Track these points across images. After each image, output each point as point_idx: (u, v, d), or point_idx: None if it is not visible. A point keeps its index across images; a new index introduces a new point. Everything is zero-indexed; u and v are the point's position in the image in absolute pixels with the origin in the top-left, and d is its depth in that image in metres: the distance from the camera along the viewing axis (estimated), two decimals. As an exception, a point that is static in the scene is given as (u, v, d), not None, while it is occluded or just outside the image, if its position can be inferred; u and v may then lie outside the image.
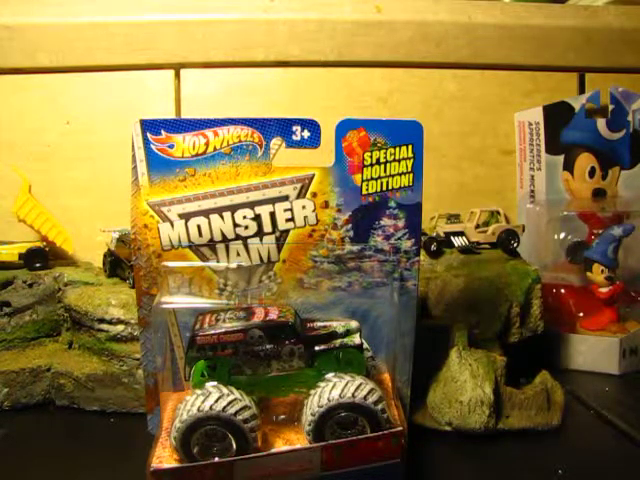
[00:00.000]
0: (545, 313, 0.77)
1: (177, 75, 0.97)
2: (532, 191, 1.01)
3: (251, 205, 0.55)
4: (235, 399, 0.45)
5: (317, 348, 0.50)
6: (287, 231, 0.55)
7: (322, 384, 0.48)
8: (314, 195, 0.55)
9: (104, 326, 0.69)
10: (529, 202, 1.01)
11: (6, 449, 0.59)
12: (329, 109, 0.98)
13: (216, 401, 0.45)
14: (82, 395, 0.68)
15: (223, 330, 0.48)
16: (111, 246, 0.79)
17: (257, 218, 0.55)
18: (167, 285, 0.54)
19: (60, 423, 0.66)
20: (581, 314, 0.87)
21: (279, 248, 0.56)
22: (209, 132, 0.54)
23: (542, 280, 0.78)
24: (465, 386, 0.61)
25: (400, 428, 0.47)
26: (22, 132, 0.96)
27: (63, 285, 0.77)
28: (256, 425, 0.46)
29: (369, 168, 0.55)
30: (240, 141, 0.54)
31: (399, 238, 0.56)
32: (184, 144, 0.54)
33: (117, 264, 0.80)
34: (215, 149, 0.54)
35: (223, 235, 0.55)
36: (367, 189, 0.55)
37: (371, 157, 0.55)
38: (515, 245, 0.85)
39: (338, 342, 0.50)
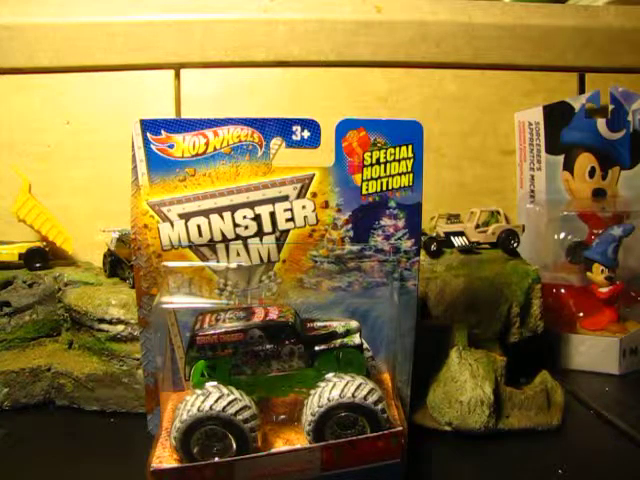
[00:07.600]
0: (545, 313, 0.77)
1: (177, 75, 0.97)
2: (532, 191, 1.01)
3: (251, 205, 0.55)
4: (235, 399, 0.45)
5: (317, 348, 0.50)
6: (287, 231, 0.55)
7: (322, 384, 0.48)
8: (314, 195, 0.55)
9: (104, 326, 0.69)
10: (529, 202, 1.00)
11: (6, 449, 0.59)
12: (329, 109, 0.98)
13: (216, 401, 0.45)
14: (82, 395, 0.68)
15: (223, 330, 0.48)
16: (111, 246, 0.79)
17: (257, 218, 0.55)
18: (167, 285, 0.55)
19: (60, 423, 0.66)
20: (581, 314, 0.87)
21: (279, 248, 0.56)
22: (209, 132, 0.54)
23: (542, 280, 0.78)
24: (465, 386, 0.61)
25: (400, 428, 0.47)
26: (22, 132, 0.96)
27: (63, 285, 0.77)
28: (256, 425, 0.46)
29: (369, 168, 0.55)
30: (240, 141, 0.54)
31: (399, 238, 0.56)
32: (184, 144, 0.54)
33: (117, 264, 0.80)
34: (215, 149, 0.54)
35: (223, 235, 0.55)
36: (367, 189, 0.55)
37: (371, 157, 0.55)
38: (515, 245, 0.85)
39: (338, 342, 0.50)
